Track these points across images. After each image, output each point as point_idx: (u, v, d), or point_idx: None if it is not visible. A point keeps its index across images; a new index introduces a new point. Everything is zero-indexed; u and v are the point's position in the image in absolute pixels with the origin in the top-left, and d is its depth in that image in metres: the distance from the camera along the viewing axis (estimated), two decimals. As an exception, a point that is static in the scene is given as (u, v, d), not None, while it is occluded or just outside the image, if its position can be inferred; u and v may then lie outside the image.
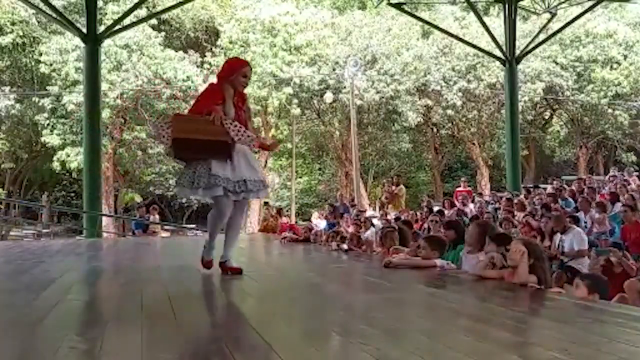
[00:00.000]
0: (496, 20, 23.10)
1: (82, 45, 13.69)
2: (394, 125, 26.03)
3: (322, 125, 26.54)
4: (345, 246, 6.94)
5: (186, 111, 4.73)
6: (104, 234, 15.10)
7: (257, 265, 6.02)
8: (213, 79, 5.11)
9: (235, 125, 4.18)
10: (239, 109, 4.39)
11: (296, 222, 18.78)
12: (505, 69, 16.66)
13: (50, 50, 22.02)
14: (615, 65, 25.69)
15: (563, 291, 3.58)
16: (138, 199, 26.15)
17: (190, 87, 23.11)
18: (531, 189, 12.63)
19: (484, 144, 27.33)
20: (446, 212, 11.00)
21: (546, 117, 30.04)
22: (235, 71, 4.46)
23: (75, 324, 2.90)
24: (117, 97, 22.00)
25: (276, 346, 2.24)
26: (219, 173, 4.17)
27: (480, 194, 15.14)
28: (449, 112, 25.53)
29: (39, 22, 22.96)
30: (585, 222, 8.90)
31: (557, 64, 25.62)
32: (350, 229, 9.15)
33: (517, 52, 16.64)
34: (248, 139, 4.22)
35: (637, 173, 13.96)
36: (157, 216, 13.33)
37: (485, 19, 18.92)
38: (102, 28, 14.36)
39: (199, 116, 4.21)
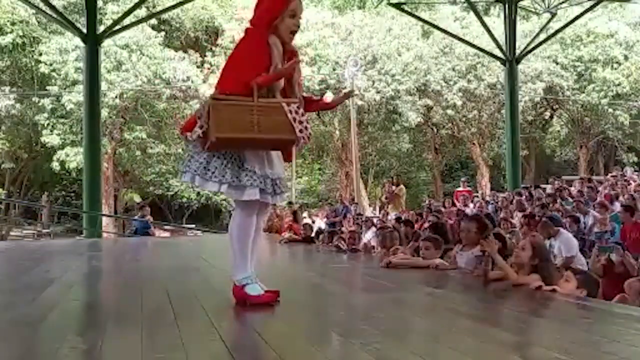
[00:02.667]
0: (496, 20, 23.11)
1: (82, 45, 13.70)
2: (394, 125, 26.03)
3: (322, 125, 26.54)
4: (343, 244, 6.96)
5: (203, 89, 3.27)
6: (104, 234, 15.11)
7: (256, 265, 6.00)
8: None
9: (303, 115, 2.95)
10: (289, 76, 3.07)
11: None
12: (506, 69, 16.68)
13: (50, 50, 22.02)
14: (616, 65, 25.69)
15: (558, 289, 3.59)
16: (137, 199, 26.16)
17: (190, 87, 23.11)
18: (531, 189, 12.62)
19: (484, 144, 27.32)
20: (445, 211, 10.99)
21: (546, 117, 30.05)
22: (280, 10, 3.00)
23: (75, 324, 2.90)
24: (116, 97, 22.00)
25: (276, 346, 2.23)
26: (255, 168, 2.96)
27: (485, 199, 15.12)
28: (449, 112, 25.53)
29: (39, 22, 22.94)
30: (585, 223, 8.91)
31: (557, 63, 25.63)
32: (351, 229, 9.16)
33: (518, 52, 16.66)
34: (308, 133, 2.98)
35: (637, 173, 13.97)
36: (150, 217, 13.21)
37: (485, 19, 18.92)
38: (102, 28, 14.37)
39: (247, 99, 2.85)
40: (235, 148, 2.95)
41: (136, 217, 13.39)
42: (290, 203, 13.59)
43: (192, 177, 2.96)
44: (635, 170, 15.50)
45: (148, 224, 12.44)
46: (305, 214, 14.13)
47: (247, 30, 3.08)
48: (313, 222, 12.84)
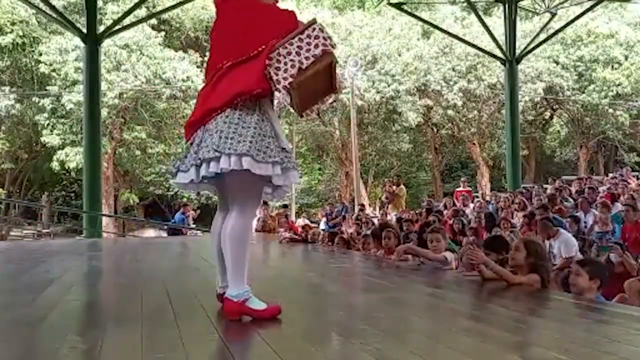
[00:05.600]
0: (497, 20, 23.11)
1: (82, 45, 13.70)
2: (394, 125, 26.04)
3: (322, 125, 26.54)
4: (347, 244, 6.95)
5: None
6: (104, 234, 15.11)
7: (256, 265, 6.01)
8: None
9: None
10: None
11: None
12: (506, 69, 16.68)
13: (50, 50, 22.03)
14: (616, 66, 25.70)
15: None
16: (135, 199, 26.20)
17: (190, 87, 23.11)
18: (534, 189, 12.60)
19: (484, 144, 27.33)
20: (445, 211, 11.00)
21: (546, 117, 30.08)
22: None
23: (75, 324, 2.90)
24: (115, 97, 22.00)
25: (276, 346, 2.23)
26: (286, 146, 2.69)
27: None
28: (449, 112, 25.54)
29: (39, 22, 22.95)
30: (585, 222, 8.91)
31: (557, 63, 25.65)
32: (351, 230, 9.17)
33: (518, 52, 16.66)
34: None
35: (635, 173, 13.98)
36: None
37: (485, 18, 18.92)
38: (102, 28, 14.37)
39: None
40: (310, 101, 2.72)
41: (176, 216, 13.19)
42: (285, 206, 13.44)
43: (238, 160, 2.50)
44: (633, 170, 15.50)
45: (185, 223, 12.39)
46: (301, 219, 14.13)
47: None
48: (317, 225, 12.90)
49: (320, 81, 2.68)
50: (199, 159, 2.57)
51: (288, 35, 2.60)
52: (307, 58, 2.56)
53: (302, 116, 2.81)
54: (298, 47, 2.57)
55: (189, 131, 2.71)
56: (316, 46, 2.57)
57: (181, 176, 2.66)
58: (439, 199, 21.37)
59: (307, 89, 2.65)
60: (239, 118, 2.58)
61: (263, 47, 2.60)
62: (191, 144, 2.68)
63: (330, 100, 2.85)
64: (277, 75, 2.55)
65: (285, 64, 2.55)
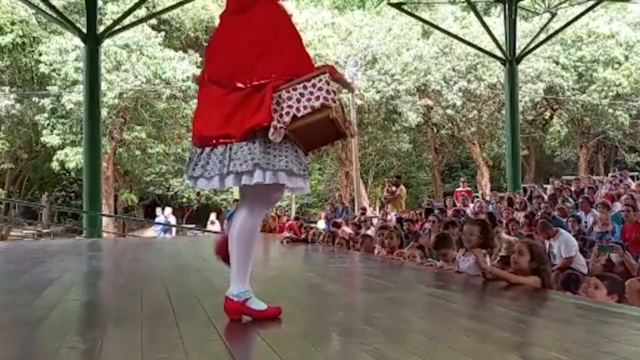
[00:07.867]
0: (496, 20, 23.11)
1: (82, 45, 13.70)
2: (394, 125, 26.02)
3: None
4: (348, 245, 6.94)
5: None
6: (104, 234, 15.11)
7: (256, 265, 6.01)
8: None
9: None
10: None
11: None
12: (506, 69, 16.68)
13: (50, 50, 22.02)
14: (616, 66, 25.70)
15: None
16: (134, 199, 26.20)
17: (190, 87, 23.11)
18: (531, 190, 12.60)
19: (484, 144, 27.32)
20: (447, 211, 10.99)
21: (546, 117, 30.08)
22: None
23: (75, 324, 2.90)
24: (115, 97, 21.99)
25: (276, 346, 2.23)
26: (304, 156, 2.70)
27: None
28: (449, 112, 25.52)
29: (39, 22, 22.94)
30: (586, 222, 8.92)
31: (557, 64, 25.63)
32: (349, 230, 9.17)
33: (518, 52, 16.66)
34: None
35: (635, 173, 13.97)
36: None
37: (485, 18, 18.92)
38: (102, 28, 14.37)
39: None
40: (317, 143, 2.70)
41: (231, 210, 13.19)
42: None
43: (273, 175, 2.51)
44: (631, 171, 15.50)
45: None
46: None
47: (256, 3, 2.62)
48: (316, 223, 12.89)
49: (319, 130, 2.63)
50: (230, 170, 2.51)
51: (296, 75, 2.57)
52: (304, 107, 2.52)
53: (306, 153, 2.74)
54: (300, 94, 2.53)
55: (204, 142, 2.62)
56: (317, 98, 2.52)
57: (203, 183, 2.60)
58: (439, 199, 21.37)
59: (304, 134, 2.62)
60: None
61: (268, 79, 2.55)
62: (211, 149, 2.59)
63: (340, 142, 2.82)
64: (273, 114, 2.53)
65: (282, 108, 2.52)
